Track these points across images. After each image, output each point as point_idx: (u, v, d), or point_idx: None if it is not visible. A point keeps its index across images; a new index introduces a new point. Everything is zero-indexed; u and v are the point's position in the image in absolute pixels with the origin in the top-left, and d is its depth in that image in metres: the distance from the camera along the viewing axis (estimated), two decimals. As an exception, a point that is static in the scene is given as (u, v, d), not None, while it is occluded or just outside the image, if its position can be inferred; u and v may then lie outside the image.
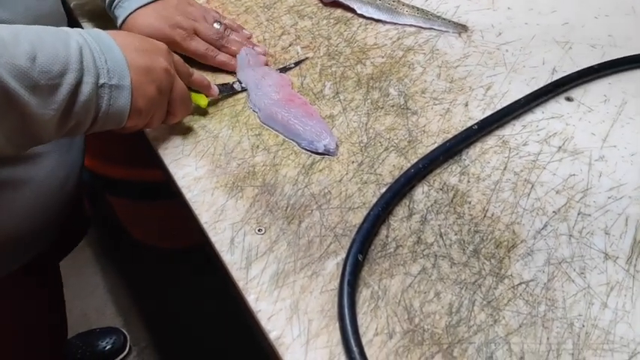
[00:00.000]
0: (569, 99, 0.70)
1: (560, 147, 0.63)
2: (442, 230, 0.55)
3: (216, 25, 0.71)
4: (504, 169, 0.61)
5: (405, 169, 0.59)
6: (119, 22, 0.68)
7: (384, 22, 0.80)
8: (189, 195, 0.57)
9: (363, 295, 0.49)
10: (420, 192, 0.58)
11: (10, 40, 0.43)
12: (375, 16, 0.80)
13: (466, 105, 0.68)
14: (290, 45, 0.76)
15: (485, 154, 0.62)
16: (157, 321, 1.46)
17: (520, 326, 0.48)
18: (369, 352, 0.45)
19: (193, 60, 0.70)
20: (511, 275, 0.51)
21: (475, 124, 0.64)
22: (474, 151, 0.63)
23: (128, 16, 0.67)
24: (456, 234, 0.55)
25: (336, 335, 0.46)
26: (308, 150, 0.62)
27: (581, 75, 0.71)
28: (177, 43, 0.68)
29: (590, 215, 0.57)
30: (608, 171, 0.61)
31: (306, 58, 0.74)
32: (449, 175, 0.60)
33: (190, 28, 0.69)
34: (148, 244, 1.56)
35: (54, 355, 0.86)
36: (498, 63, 0.74)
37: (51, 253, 0.74)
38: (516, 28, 0.80)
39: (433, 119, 0.66)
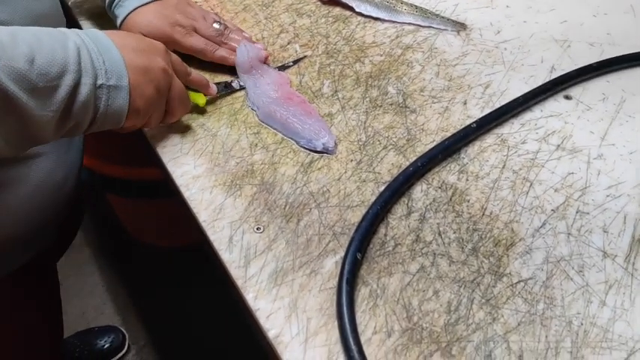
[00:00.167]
0: (567, 97, 0.70)
1: (558, 145, 0.63)
2: (441, 229, 0.55)
3: (215, 25, 0.71)
4: (503, 167, 0.61)
5: (403, 167, 0.59)
6: (119, 20, 0.68)
7: (383, 21, 0.80)
8: (188, 193, 0.57)
9: (362, 293, 0.49)
10: (418, 190, 0.58)
11: (8, 43, 0.43)
12: (374, 15, 0.80)
13: (465, 103, 0.68)
14: (288, 43, 0.76)
15: (483, 153, 0.62)
16: (155, 320, 1.46)
17: (519, 324, 0.48)
18: (367, 350, 0.45)
19: (192, 59, 0.70)
20: (510, 273, 0.51)
21: (474, 122, 0.63)
22: (473, 149, 0.63)
23: (128, 14, 0.67)
24: (454, 232, 0.55)
25: (335, 334, 0.46)
26: (306, 148, 0.62)
27: (580, 73, 0.71)
28: (177, 40, 0.68)
29: (588, 213, 0.57)
30: (606, 169, 0.61)
31: (305, 57, 0.74)
32: (448, 173, 0.60)
33: (190, 26, 0.69)
34: (147, 242, 1.56)
35: (53, 355, 0.86)
36: (497, 61, 0.74)
37: (50, 253, 0.74)
38: (515, 26, 0.80)
39: (432, 117, 0.66)
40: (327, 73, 0.72)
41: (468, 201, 0.57)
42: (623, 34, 0.79)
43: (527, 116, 0.67)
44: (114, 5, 0.69)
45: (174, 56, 0.61)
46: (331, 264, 0.51)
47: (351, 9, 0.82)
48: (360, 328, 0.47)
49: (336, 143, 0.62)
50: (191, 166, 0.60)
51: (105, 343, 1.36)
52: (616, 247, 0.54)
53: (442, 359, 0.45)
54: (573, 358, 0.46)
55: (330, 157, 0.61)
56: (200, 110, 0.66)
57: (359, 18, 0.81)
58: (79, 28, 0.77)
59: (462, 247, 0.53)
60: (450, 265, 0.52)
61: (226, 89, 0.68)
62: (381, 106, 0.67)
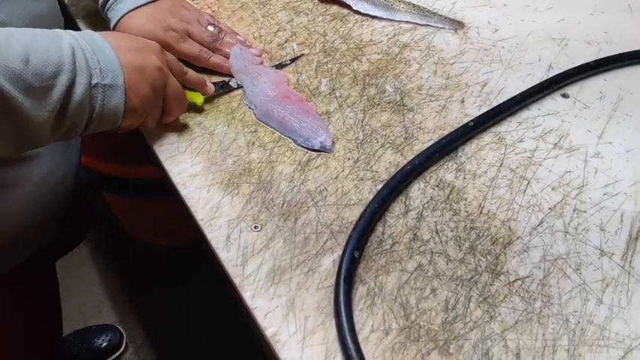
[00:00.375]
0: (565, 96, 0.70)
1: (556, 144, 0.64)
2: (438, 227, 0.55)
3: (210, 28, 0.70)
4: (500, 165, 0.61)
5: (401, 165, 0.59)
6: (112, 24, 0.67)
7: (380, 19, 0.80)
8: (185, 192, 0.57)
9: (359, 291, 0.49)
10: (416, 189, 0.58)
11: (3, 43, 0.43)
12: (371, 13, 0.80)
13: (462, 102, 0.68)
14: (286, 41, 0.76)
15: (481, 151, 0.62)
16: (153, 318, 1.46)
17: (516, 322, 0.48)
18: (365, 348, 0.45)
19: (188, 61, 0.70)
20: (507, 272, 0.51)
21: (471, 120, 0.64)
22: (470, 147, 0.63)
23: (121, 18, 0.66)
24: (452, 231, 0.55)
25: (333, 332, 0.46)
26: (304, 147, 0.62)
27: (577, 72, 0.71)
28: (170, 45, 0.67)
29: (585, 212, 0.57)
30: (603, 167, 0.61)
31: (302, 55, 0.74)
32: (445, 171, 0.60)
33: (183, 30, 0.68)
34: (144, 241, 1.56)
35: (53, 354, 0.86)
36: (494, 60, 0.74)
37: (50, 250, 0.73)
38: (512, 24, 0.80)
39: (429, 116, 0.66)
40: (325, 71, 0.72)
41: (466, 199, 0.57)
42: (621, 33, 0.79)
43: (525, 114, 0.67)
44: (106, 8, 0.68)
45: (170, 56, 0.61)
46: (329, 262, 0.51)
47: (348, 7, 0.81)
48: (357, 327, 0.47)
49: (333, 142, 0.62)
50: (188, 164, 0.60)
51: (103, 341, 1.36)
52: (613, 245, 0.54)
53: (440, 357, 0.45)
54: (570, 356, 0.46)
55: (328, 156, 0.61)
56: (198, 109, 0.66)
57: (356, 16, 0.81)
58: (77, 28, 0.76)
59: (460, 246, 0.53)
60: (447, 264, 0.52)
61: (223, 88, 0.68)
62: (378, 104, 0.67)
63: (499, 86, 0.70)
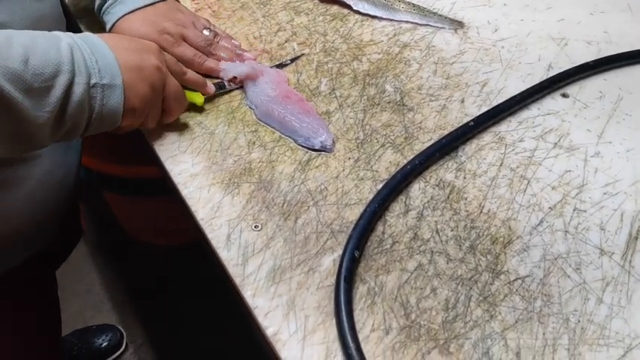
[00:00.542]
0: (564, 95, 0.70)
1: (555, 143, 0.64)
2: (438, 226, 0.55)
3: (205, 32, 0.70)
4: (500, 165, 0.61)
5: (401, 165, 0.59)
6: (108, 27, 0.67)
7: (380, 19, 0.80)
8: (186, 191, 0.57)
9: (360, 291, 0.50)
10: (416, 188, 0.58)
11: (3, 43, 0.43)
12: (371, 13, 0.80)
13: (462, 101, 0.68)
14: (286, 41, 0.76)
15: (481, 151, 0.63)
16: (153, 318, 1.46)
17: (516, 322, 0.48)
18: (365, 348, 0.45)
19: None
20: (507, 271, 0.52)
21: (471, 120, 0.64)
22: (470, 147, 0.63)
23: (116, 21, 0.66)
24: (452, 230, 0.55)
25: (333, 331, 0.46)
26: (304, 147, 0.62)
27: (577, 71, 0.71)
28: (165, 49, 0.66)
29: (585, 211, 0.57)
30: (603, 167, 0.61)
31: (302, 55, 0.74)
32: (445, 171, 0.60)
33: (178, 34, 0.68)
34: (144, 241, 1.56)
35: (52, 353, 0.86)
36: (494, 59, 0.74)
37: (50, 252, 0.73)
38: (512, 24, 0.81)
39: (429, 116, 0.66)
40: (325, 71, 0.72)
41: (466, 199, 0.58)
42: (620, 33, 0.79)
43: (525, 114, 0.67)
44: (102, 12, 0.68)
45: (169, 56, 0.61)
46: (329, 262, 0.51)
47: (348, 7, 0.82)
48: (358, 326, 0.47)
49: (334, 141, 0.62)
50: (189, 164, 0.60)
51: (103, 341, 1.36)
52: (613, 244, 0.54)
53: (440, 356, 0.46)
54: (570, 355, 0.46)
55: (328, 155, 0.61)
56: (198, 109, 0.66)
57: (356, 16, 0.81)
58: (79, 30, 0.76)
59: (460, 245, 0.53)
60: (447, 263, 0.52)
61: (224, 88, 0.68)
62: (378, 104, 0.67)
63: (499, 86, 0.70)
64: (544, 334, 0.47)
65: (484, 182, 0.59)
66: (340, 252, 0.51)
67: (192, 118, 0.65)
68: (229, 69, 0.68)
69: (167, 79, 0.59)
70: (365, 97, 0.68)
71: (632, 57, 0.74)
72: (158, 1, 0.68)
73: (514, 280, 0.51)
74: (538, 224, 0.56)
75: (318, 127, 0.61)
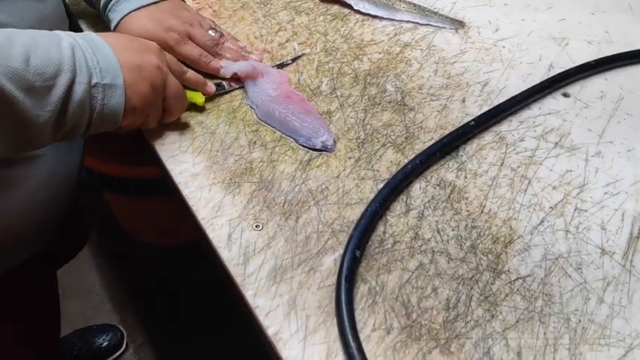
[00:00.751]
0: (565, 95, 0.70)
1: (556, 143, 0.64)
2: (439, 226, 0.55)
3: (211, 32, 0.70)
4: (501, 165, 0.61)
5: (402, 165, 0.59)
6: (113, 25, 0.67)
7: (381, 18, 0.80)
8: (187, 191, 0.57)
9: (361, 290, 0.49)
10: (417, 188, 0.58)
11: (4, 43, 0.43)
12: (372, 12, 0.80)
13: (463, 101, 0.68)
14: (287, 41, 0.76)
15: (482, 150, 0.62)
16: (153, 318, 1.46)
17: (517, 321, 0.48)
18: (366, 347, 0.45)
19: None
20: (508, 271, 0.52)
21: (472, 120, 0.64)
22: (471, 147, 0.63)
23: (122, 19, 0.66)
24: (453, 230, 0.55)
25: (334, 331, 0.46)
26: (306, 147, 0.62)
27: (578, 71, 0.71)
28: (170, 47, 0.67)
29: (586, 211, 0.57)
30: (604, 167, 0.61)
31: (303, 54, 0.74)
32: (446, 171, 0.60)
33: (184, 32, 0.68)
34: (144, 241, 1.56)
35: (52, 353, 0.86)
36: (495, 59, 0.74)
37: (51, 252, 0.73)
38: (513, 24, 0.81)
39: (430, 115, 0.66)
40: (326, 70, 0.72)
41: (467, 198, 0.58)
42: (621, 32, 0.79)
43: (526, 114, 0.67)
44: (108, 9, 0.68)
45: (169, 56, 0.61)
46: (330, 261, 0.51)
47: (349, 7, 0.82)
48: (359, 326, 0.47)
49: (335, 141, 0.62)
50: (190, 163, 0.60)
51: (103, 341, 1.36)
52: (614, 244, 0.54)
53: (441, 356, 0.45)
54: (571, 355, 0.46)
55: (329, 155, 0.61)
56: (199, 109, 0.66)
57: (357, 16, 0.81)
58: (81, 30, 0.76)
59: (461, 245, 0.53)
60: (448, 263, 0.52)
61: (225, 88, 0.68)
62: (379, 103, 0.67)
63: (500, 85, 0.70)
64: (545, 333, 0.47)
65: (485, 182, 0.59)
66: (341, 251, 0.51)
67: (193, 118, 0.65)
68: (230, 65, 0.68)
69: (168, 78, 0.59)
70: (366, 97, 0.68)
71: (633, 57, 0.74)
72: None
73: (515, 280, 0.51)
74: (539, 224, 0.56)
75: (319, 127, 0.61)
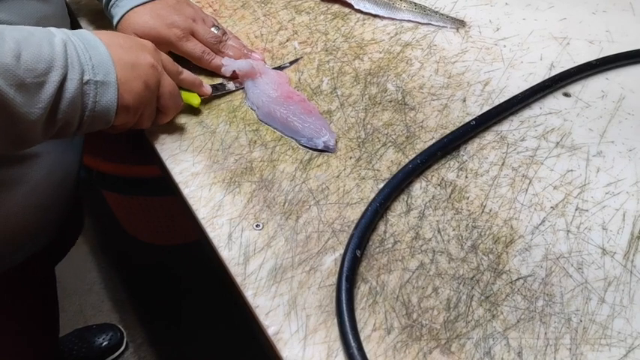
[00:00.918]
0: (566, 94, 0.70)
1: (557, 142, 0.63)
2: (440, 226, 0.55)
3: (214, 30, 0.70)
4: (502, 164, 0.61)
5: (402, 164, 0.59)
6: (115, 20, 0.67)
7: (382, 18, 0.80)
8: (187, 191, 0.57)
9: (361, 290, 0.49)
10: (417, 187, 0.58)
11: None
12: (373, 12, 0.80)
13: (464, 100, 0.68)
14: (287, 40, 0.76)
15: (483, 150, 0.62)
16: (153, 317, 1.46)
17: (518, 321, 0.48)
18: (367, 347, 0.45)
19: (184, 59, 0.69)
20: (509, 270, 0.51)
21: (473, 119, 0.63)
22: (472, 146, 0.63)
23: (124, 14, 0.66)
24: (454, 229, 0.55)
25: (334, 331, 0.46)
26: (307, 147, 0.61)
27: (579, 71, 0.71)
28: (173, 43, 0.66)
29: (587, 211, 0.57)
30: (605, 167, 0.61)
31: (301, 58, 0.73)
32: (447, 170, 0.60)
33: (187, 28, 0.67)
34: (144, 240, 1.56)
35: (51, 352, 0.86)
36: (496, 58, 0.74)
37: (49, 252, 0.73)
38: (514, 23, 0.80)
39: (431, 115, 0.66)
40: (326, 70, 0.71)
41: (467, 198, 0.57)
42: (622, 32, 0.79)
43: (527, 113, 0.67)
44: (111, 5, 0.68)
45: (164, 55, 0.61)
46: (330, 261, 0.51)
47: (350, 6, 0.81)
48: (359, 325, 0.47)
49: (336, 141, 0.62)
50: (190, 163, 0.60)
51: (103, 340, 1.36)
52: (615, 244, 0.54)
53: (441, 356, 0.45)
54: (572, 355, 0.46)
55: (330, 155, 0.61)
56: (195, 111, 0.65)
57: (358, 15, 0.81)
58: (79, 28, 0.76)
59: (462, 245, 0.53)
60: (449, 263, 0.52)
61: (222, 90, 0.68)
62: (380, 103, 0.67)
63: (501, 85, 0.70)
64: (546, 333, 0.47)
65: (486, 181, 0.59)
66: (342, 251, 0.51)
67: (193, 117, 0.65)
68: (231, 64, 0.68)
69: (162, 77, 0.58)
70: (366, 96, 0.68)
71: (634, 56, 0.74)
72: None
73: (516, 280, 0.51)
74: (540, 224, 0.55)
75: (320, 127, 0.61)
